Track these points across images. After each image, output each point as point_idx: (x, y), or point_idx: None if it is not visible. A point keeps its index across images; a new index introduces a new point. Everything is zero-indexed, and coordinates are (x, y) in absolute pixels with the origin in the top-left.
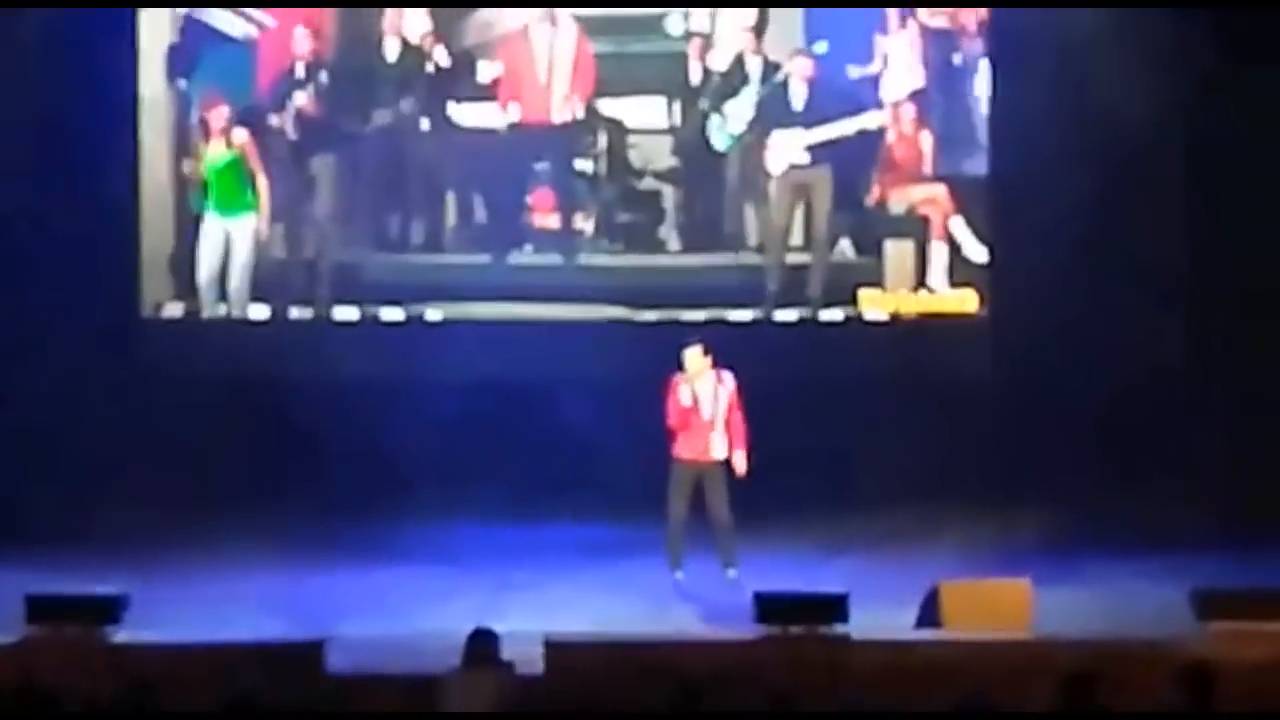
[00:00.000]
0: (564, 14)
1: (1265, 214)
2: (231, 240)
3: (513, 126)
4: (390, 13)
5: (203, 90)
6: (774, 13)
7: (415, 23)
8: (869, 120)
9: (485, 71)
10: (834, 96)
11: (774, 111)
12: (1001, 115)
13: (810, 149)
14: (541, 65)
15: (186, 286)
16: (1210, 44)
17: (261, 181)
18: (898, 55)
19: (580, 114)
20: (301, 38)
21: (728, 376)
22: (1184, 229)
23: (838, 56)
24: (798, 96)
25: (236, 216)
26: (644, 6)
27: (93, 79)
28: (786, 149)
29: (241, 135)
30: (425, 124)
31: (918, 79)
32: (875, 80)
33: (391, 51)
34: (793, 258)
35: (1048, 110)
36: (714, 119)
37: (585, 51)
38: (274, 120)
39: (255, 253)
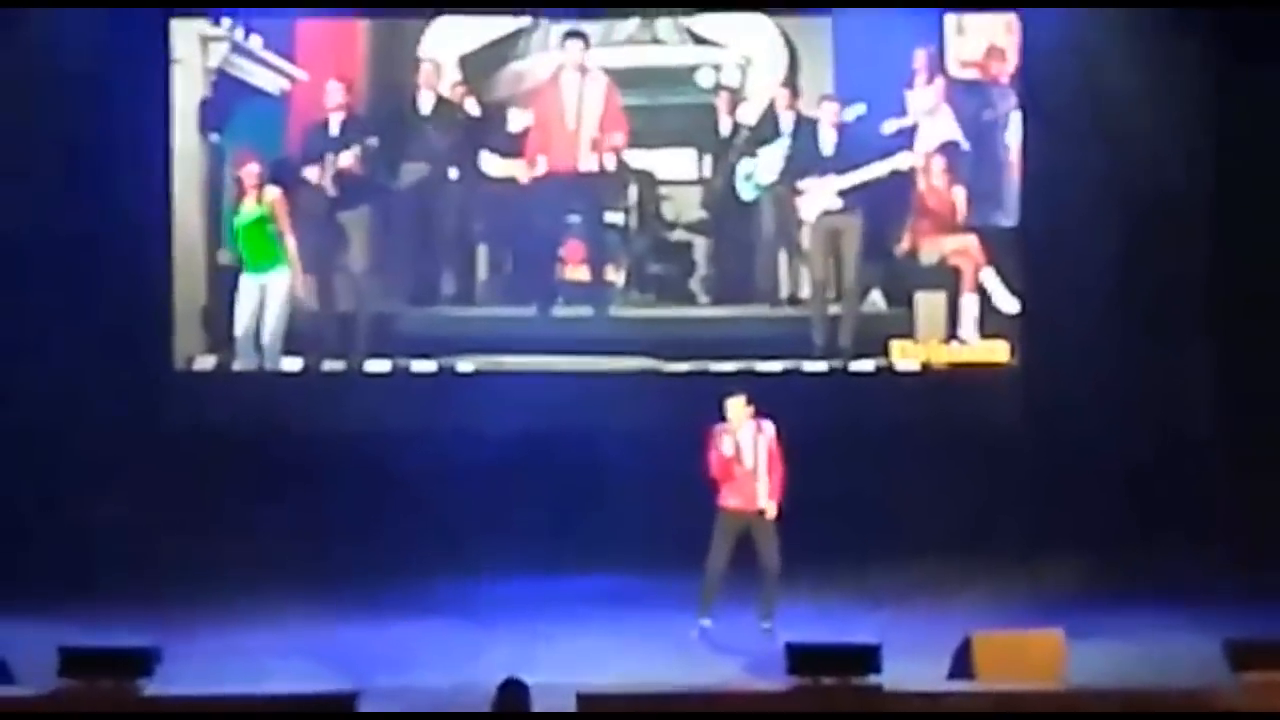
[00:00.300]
0: (594, 64)
1: None
2: (265, 295)
3: (542, 177)
4: (425, 66)
5: (235, 145)
6: (805, 66)
7: (448, 74)
8: (901, 161)
9: (516, 122)
10: (864, 143)
11: (804, 159)
12: (1032, 167)
13: (843, 194)
14: (570, 114)
15: (219, 340)
16: (1242, 97)
17: (289, 239)
18: (927, 107)
19: (611, 165)
20: (334, 91)
21: (767, 425)
22: (1213, 282)
23: (870, 114)
24: (827, 142)
25: (268, 272)
26: (664, 6)
27: (127, 134)
28: (819, 195)
29: (272, 192)
30: (456, 175)
31: (949, 130)
32: (909, 132)
33: (426, 104)
34: (830, 309)
35: (1078, 162)
36: (742, 170)
37: (614, 102)
38: (307, 174)
39: (288, 307)
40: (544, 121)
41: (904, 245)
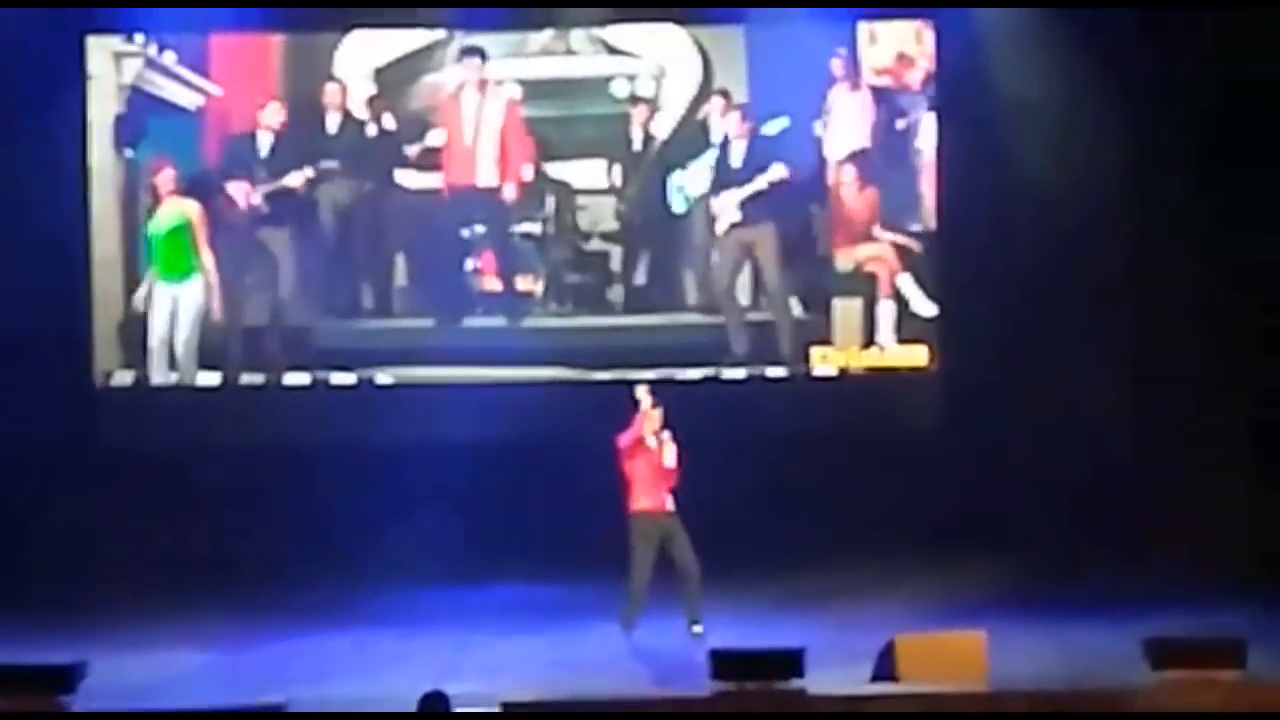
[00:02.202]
0: (497, 78)
1: (1212, 262)
2: (178, 306)
3: (446, 191)
4: (330, 86)
5: (150, 157)
6: (719, 76)
7: (360, 89)
8: (775, 173)
9: (429, 137)
10: (772, 154)
11: (722, 172)
12: (948, 172)
13: (741, 206)
14: (469, 131)
15: (136, 355)
16: (1158, 98)
17: (205, 250)
18: (842, 114)
19: (529, 177)
20: (248, 107)
21: (667, 435)
22: (1131, 283)
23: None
24: (736, 155)
25: (181, 283)
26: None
27: (42, 151)
28: (726, 208)
29: (192, 205)
30: (371, 189)
31: (862, 138)
32: (818, 139)
33: (333, 122)
34: (751, 316)
35: (994, 166)
36: (674, 181)
37: (515, 117)
38: (221, 188)
39: (200, 318)
40: (449, 138)
41: (821, 253)
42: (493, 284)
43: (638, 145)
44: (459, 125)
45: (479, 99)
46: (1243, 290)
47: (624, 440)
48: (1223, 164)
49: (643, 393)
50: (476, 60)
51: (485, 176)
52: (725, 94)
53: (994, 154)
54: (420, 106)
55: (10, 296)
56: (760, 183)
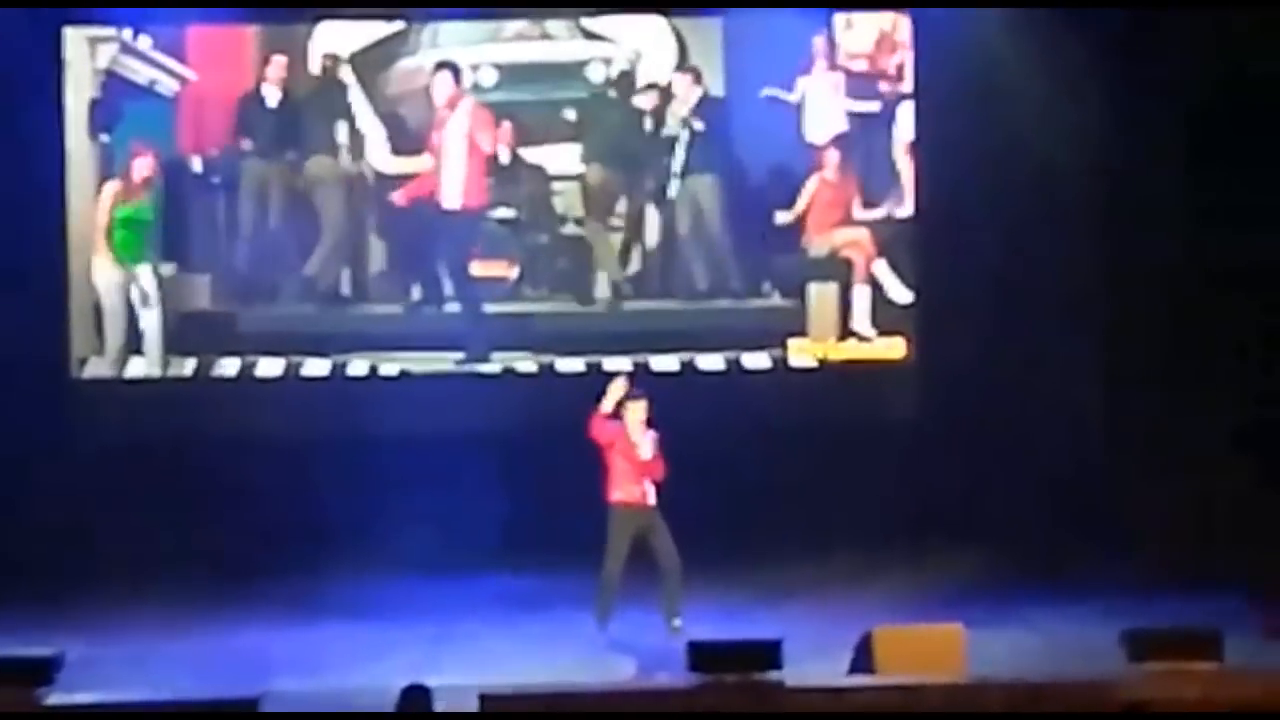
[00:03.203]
0: (469, 69)
1: (1195, 256)
2: (142, 291)
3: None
4: (312, 62)
5: (127, 142)
6: (694, 60)
7: (340, 72)
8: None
9: (404, 123)
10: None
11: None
12: (923, 157)
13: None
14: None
15: (111, 342)
16: (1134, 85)
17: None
18: (820, 98)
19: (506, 159)
20: (225, 91)
21: (651, 432)
22: (1109, 270)
23: (760, 106)
24: (700, 127)
25: (142, 265)
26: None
27: (20, 136)
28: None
29: (158, 186)
30: (349, 172)
31: (839, 123)
32: (796, 124)
33: (315, 104)
34: (724, 304)
35: (968, 151)
36: (663, 165)
37: (482, 112)
38: (196, 171)
39: (164, 302)
40: (422, 126)
41: (797, 238)
42: (476, 269)
43: (617, 128)
44: (429, 115)
45: (452, 90)
46: (1230, 287)
47: (598, 430)
48: (1212, 160)
49: (618, 385)
50: (449, 76)
51: (451, 198)
52: (695, 71)
53: (971, 141)
54: (397, 91)
55: None
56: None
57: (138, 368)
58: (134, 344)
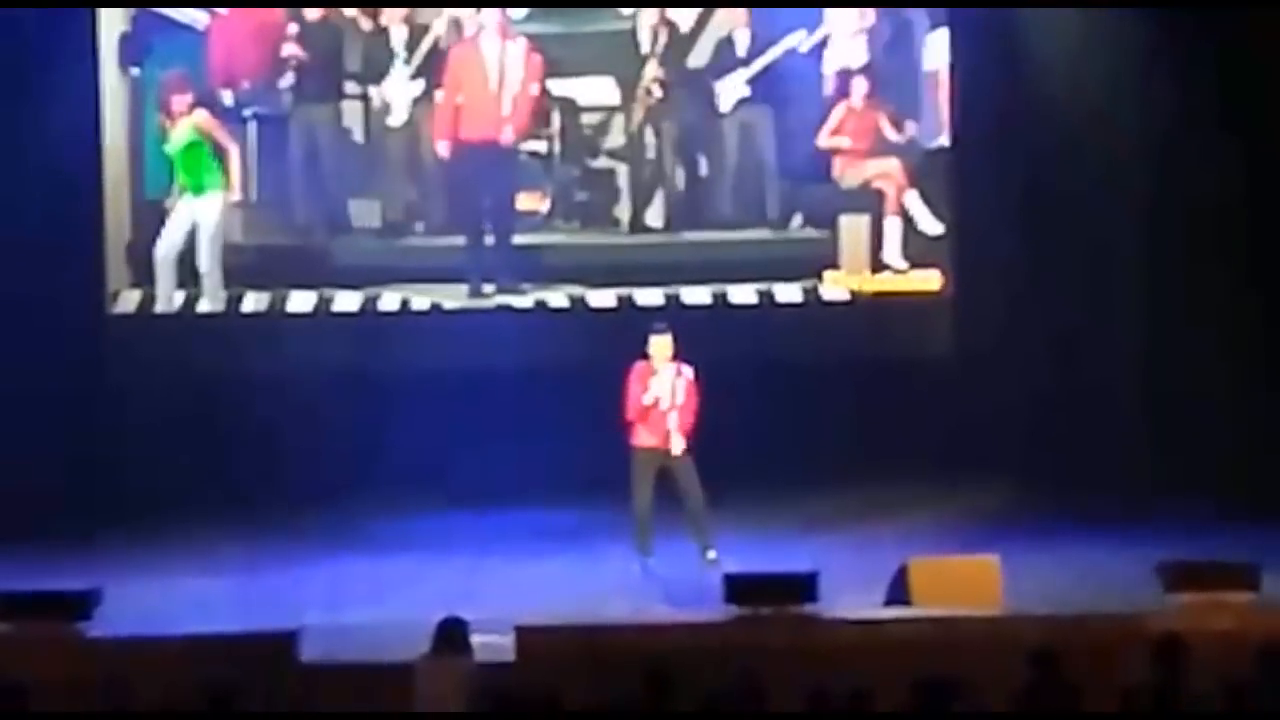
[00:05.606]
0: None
1: (1224, 180)
2: (198, 220)
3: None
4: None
5: (161, 76)
6: None
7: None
8: (794, 40)
9: (443, 56)
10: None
11: (725, 58)
12: (956, 87)
13: (750, 83)
14: (493, 82)
15: (145, 275)
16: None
17: (233, 158)
18: (848, 27)
19: (535, 92)
20: (256, 24)
21: (686, 369)
22: (1146, 205)
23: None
24: (741, 44)
25: (203, 195)
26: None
27: (53, 73)
28: (730, 89)
29: (200, 113)
30: (386, 107)
31: (871, 51)
32: (825, 53)
33: (354, 42)
34: (758, 233)
35: (1002, 81)
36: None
37: (534, 65)
38: (228, 104)
39: (223, 231)
40: (464, 84)
41: (828, 168)
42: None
43: (647, 57)
44: (482, 78)
45: (500, 50)
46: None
47: (629, 386)
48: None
49: (657, 341)
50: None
51: (506, 134)
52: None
53: (1003, 70)
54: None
55: (21, 217)
56: (765, 61)
57: (171, 299)
58: (180, 274)
